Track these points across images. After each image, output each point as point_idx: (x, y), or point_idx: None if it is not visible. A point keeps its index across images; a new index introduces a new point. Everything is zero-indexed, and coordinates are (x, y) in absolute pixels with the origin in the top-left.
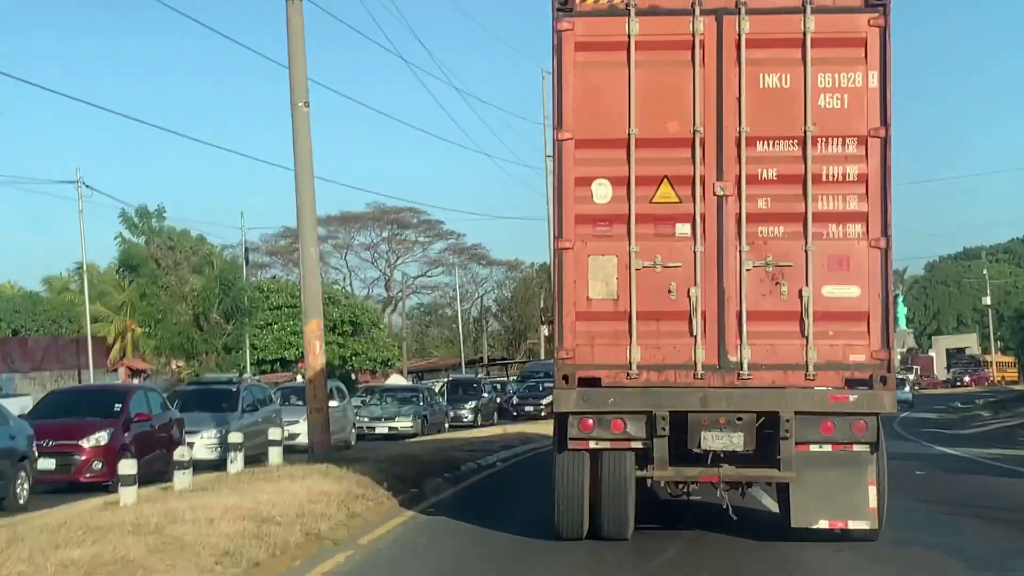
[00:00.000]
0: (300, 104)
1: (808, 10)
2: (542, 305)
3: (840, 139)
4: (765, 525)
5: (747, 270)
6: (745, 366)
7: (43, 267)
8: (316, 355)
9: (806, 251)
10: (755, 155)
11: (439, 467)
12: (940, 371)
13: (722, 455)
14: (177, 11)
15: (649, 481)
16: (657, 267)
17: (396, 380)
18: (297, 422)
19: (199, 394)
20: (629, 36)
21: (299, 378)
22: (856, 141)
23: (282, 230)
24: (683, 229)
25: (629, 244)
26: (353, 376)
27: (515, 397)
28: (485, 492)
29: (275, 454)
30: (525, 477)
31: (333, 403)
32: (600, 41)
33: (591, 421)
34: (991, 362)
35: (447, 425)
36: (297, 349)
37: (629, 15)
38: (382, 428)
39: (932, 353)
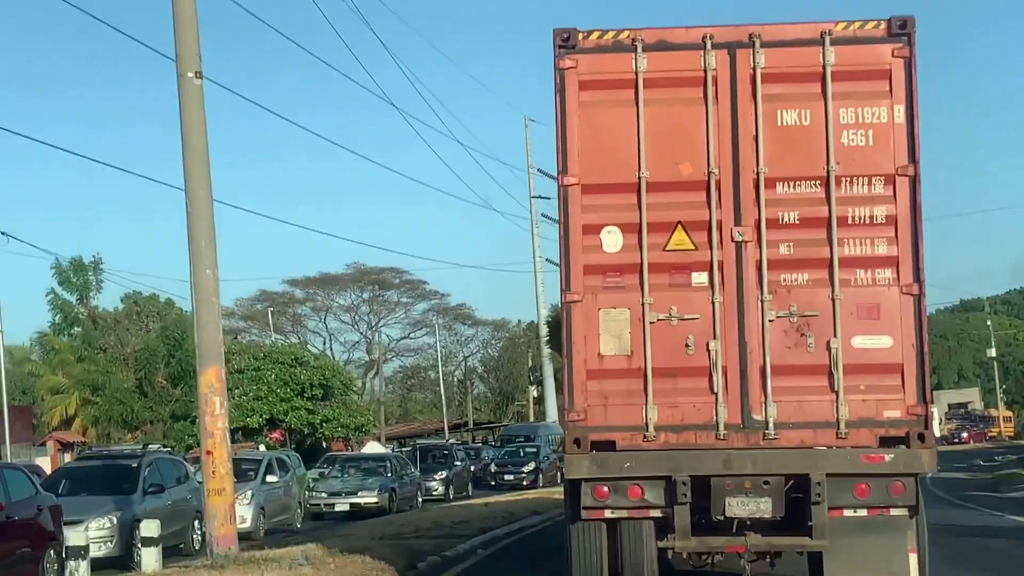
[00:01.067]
0: (189, 74)
1: (827, 42)
2: (530, 364)
3: (866, 178)
4: None
5: (770, 321)
6: (771, 425)
7: None
8: (215, 415)
9: (833, 299)
10: (775, 197)
11: (392, 559)
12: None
13: (748, 522)
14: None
15: (671, 552)
16: (673, 320)
17: (373, 448)
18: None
19: (91, 472)
20: (636, 73)
21: (261, 447)
22: (883, 180)
23: (258, 294)
24: (700, 278)
25: (642, 295)
26: (324, 445)
27: (493, 464)
28: None
29: (149, 557)
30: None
31: (272, 478)
32: (606, 79)
33: (606, 488)
34: (998, 416)
35: (420, 500)
36: (261, 416)
37: (636, 51)
38: (342, 505)
39: (934, 409)
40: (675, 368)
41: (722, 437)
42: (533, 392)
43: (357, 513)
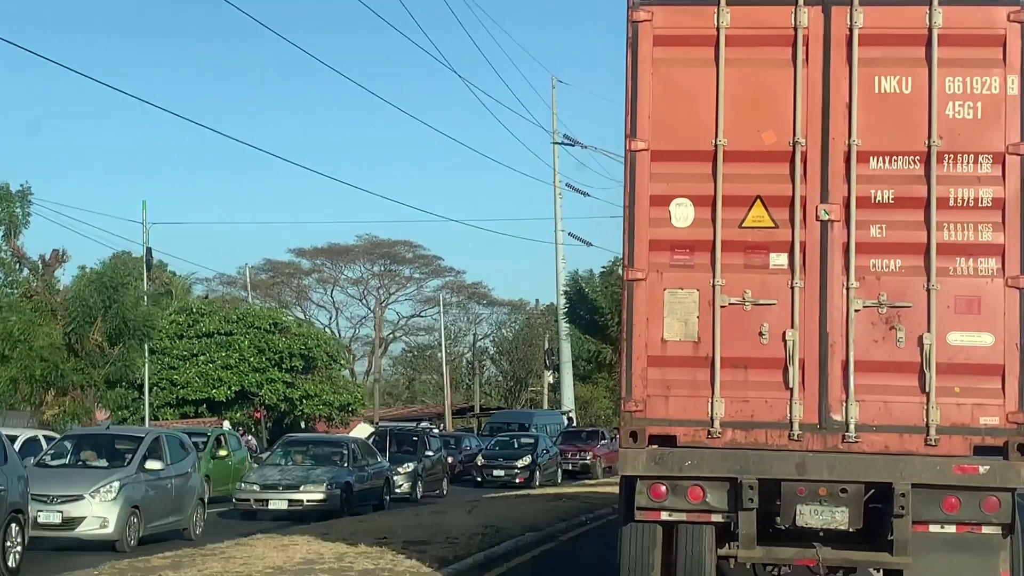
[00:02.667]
0: None
1: (935, 1)
2: (546, 347)
3: (971, 156)
4: None
5: (856, 311)
6: (852, 427)
7: None
8: None
9: (928, 290)
10: (867, 173)
11: None
12: None
13: (821, 533)
14: None
15: (732, 562)
16: (746, 304)
17: (362, 431)
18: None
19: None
20: (718, 29)
21: (226, 424)
22: (991, 159)
23: (263, 263)
24: (779, 260)
25: (713, 276)
26: (303, 424)
27: (480, 457)
28: None
29: None
30: None
31: (155, 465)
32: (684, 35)
33: (664, 488)
34: None
35: (388, 498)
36: (230, 388)
37: (719, 5)
38: (278, 502)
39: None
40: (746, 358)
41: (796, 438)
42: (549, 378)
43: (297, 514)
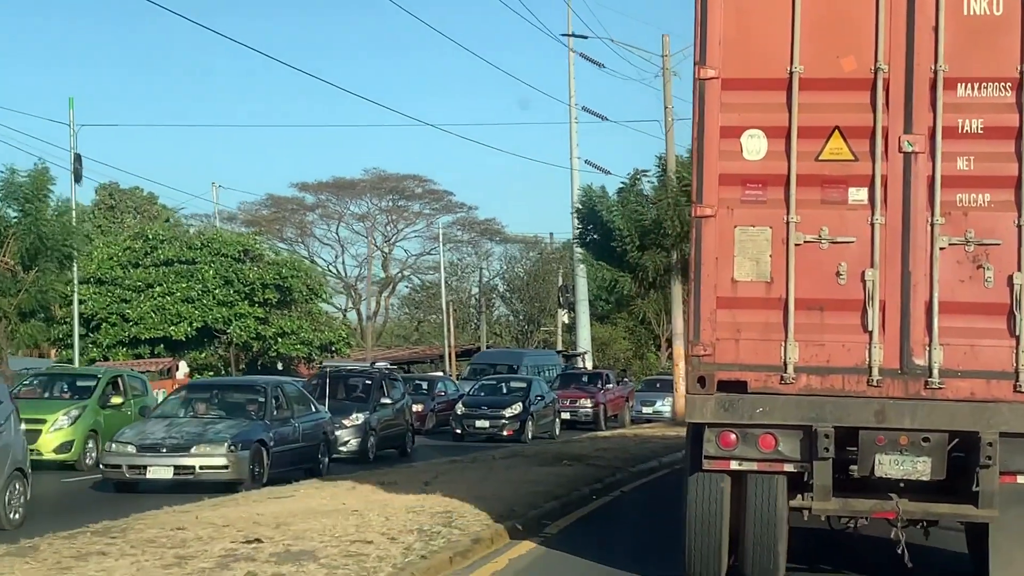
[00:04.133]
0: None
1: None
2: (560, 283)
3: None
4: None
5: (941, 249)
6: (935, 372)
7: None
8: None
9: (1019, 226)
10: (954, 101)
11: None
12: None
13: (902, 484)
14: None
15: (806, 514)
16: (823, 243)
17: None
18: None
19: None
20: None
21: (181, 367)
22: None
23: (265, 198)
24: (858, 195)
25: (788, 213)
26: (280, 366)
27: (460, 405)
28: None
29: None
30: None
31: None
32: None
33: (734, 436)
34: None
35: (326, 460)
36: (191, 325)
37: None
38: (160, 469)
39: None
40: (823, 300)
41: (875, 384)
42: (563, 317)
43: (189, 484)
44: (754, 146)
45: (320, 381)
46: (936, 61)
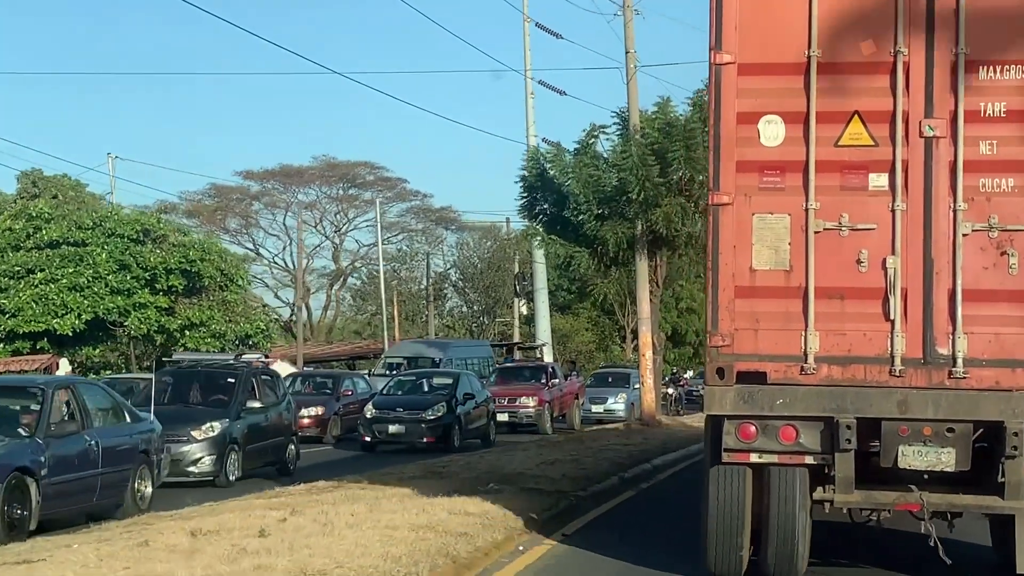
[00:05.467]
0: None
1: None
2: (517, 270)
3: None
4: (978, 568)
5: (964, 235)
6: (959, 361)
7: None
8: None
9: None
10: (977, 84)
11: None
12: None
13: (925, 476)
14: None
15: (827, 506)
16: (843, 230)
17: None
18: None
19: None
20: None
21: (62, 365)
22: None
23: (208, 188)
24: (879, 180)
25: (806, 199)
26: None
27: (371, 407)
28: None
29: None
30: None
31: None
32: None
33: (753, 428)
34: None
35: (148, 489)
36: (79, 317)
37: None
38: None
39: None
40: (843, 288)
41: (898, 374)
42: (522, 307)
43: None
44: (772, 132)
45: (170, 380)
46: (957, 44)
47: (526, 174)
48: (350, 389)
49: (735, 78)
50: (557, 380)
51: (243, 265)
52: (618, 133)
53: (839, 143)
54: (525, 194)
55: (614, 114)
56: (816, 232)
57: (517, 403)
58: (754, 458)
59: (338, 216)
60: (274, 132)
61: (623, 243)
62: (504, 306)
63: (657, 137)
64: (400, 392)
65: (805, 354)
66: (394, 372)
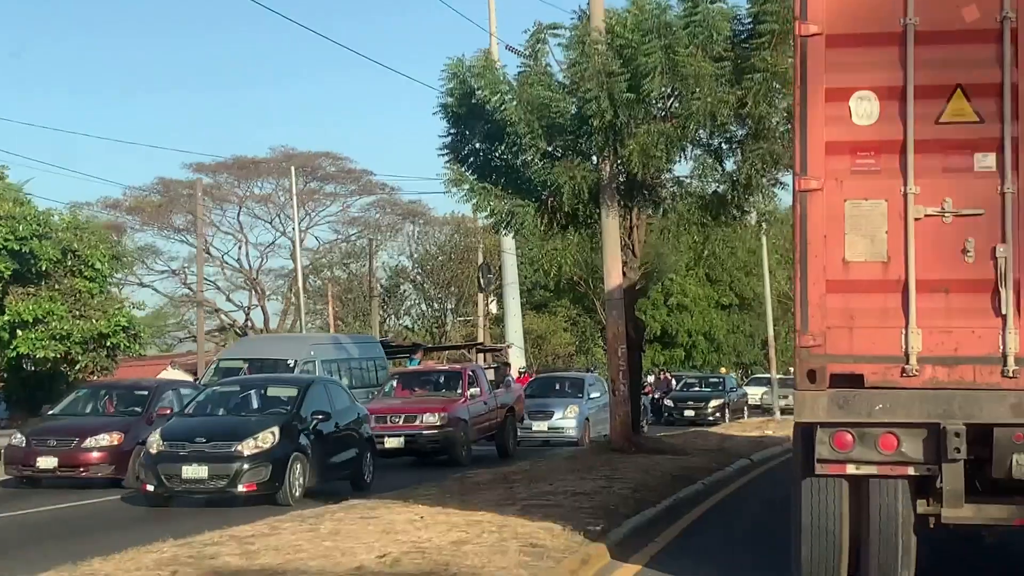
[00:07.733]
0: None
1: None
2: (481, 261)
3: None
4: None
5: None
6: None
7: None
8: None
9: None
10: None
11: None
12: None
13: None
14: None
15: (932, 521)
16: (946, 216)
17: (173, 378)
18: None
19: None
20: None
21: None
22: None
23: (155, 181)
24: (985, 161)
25: (905, 183)
26: (33, 370)
27: (158, 438)
28: None
29: None
30: None
31: None
32: None
33: (850, 436)
34: None
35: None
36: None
37: None
38: None
39: None
40: (948, 280)
41: (1011, 375)
42: (491, 305)
43: None
44: (865, 109)
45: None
46: None
47: (449, 100)
48: (169, 407)
49: (823, 50)
50: (475, 390)
51: (115, 244)
52: (574, 39)
53: (940, 120)
54: (453, 129)
55: (573, 13)
56: (916, 219)
57: (417, 422)
58: (851, 469)
59: (297, 211)
60: (229, 123)
61: (583, 192)
62: (471, 303)
63: (629, 39)
64: (208, 411)
65: (906, 354)
66: (226, 374)
